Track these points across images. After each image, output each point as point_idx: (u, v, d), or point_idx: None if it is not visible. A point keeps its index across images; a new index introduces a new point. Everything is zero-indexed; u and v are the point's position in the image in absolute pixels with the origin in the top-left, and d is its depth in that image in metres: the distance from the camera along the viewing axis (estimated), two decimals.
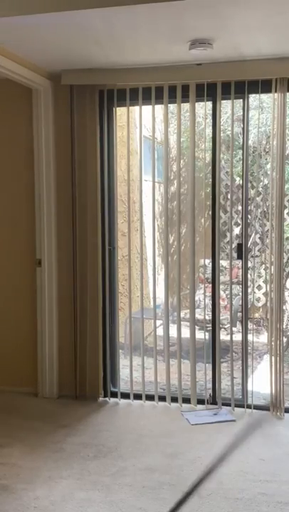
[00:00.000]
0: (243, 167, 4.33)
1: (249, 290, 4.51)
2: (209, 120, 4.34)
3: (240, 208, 4.57)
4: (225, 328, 5.58)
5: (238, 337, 4.63)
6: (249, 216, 4.84)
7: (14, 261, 4.68)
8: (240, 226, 4.49)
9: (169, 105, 4.34)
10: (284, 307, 4.47)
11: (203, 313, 4.67)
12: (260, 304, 7.00)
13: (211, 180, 4.34)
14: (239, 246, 4.36)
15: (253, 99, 4.66)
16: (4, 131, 4.62)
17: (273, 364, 4.22)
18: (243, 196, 4.33)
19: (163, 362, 4.68)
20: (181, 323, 4.48)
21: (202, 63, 4.08)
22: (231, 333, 4.60)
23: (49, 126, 4.45)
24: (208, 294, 4.48)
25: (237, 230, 5.59)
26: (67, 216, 4.50)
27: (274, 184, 4.19)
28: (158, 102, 4.32)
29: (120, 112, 4.78)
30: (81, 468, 3.42)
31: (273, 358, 4.24)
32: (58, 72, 4.30)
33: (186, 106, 4.39)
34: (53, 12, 3.06)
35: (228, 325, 5.52)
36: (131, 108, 4.47)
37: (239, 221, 4.84)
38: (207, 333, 4.55)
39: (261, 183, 6.32)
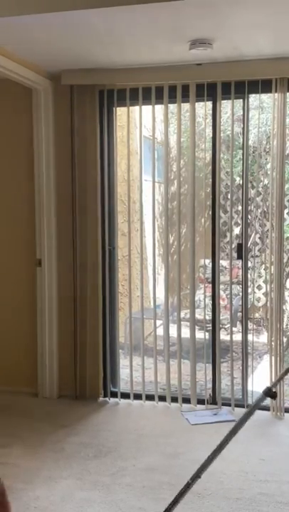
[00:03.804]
0: (243, 167, 4.33)
1: (249, 290, 4.50)
2: (209, 120, 4.34)
3: (240, 207, 4.57)
4: (225, 328, 5.57)
5: (238, 337, 4.63)
6: (249, 216, 4.84)
7: (14, 261, 4.68)
8: (240, 226, 4.49)
9: (169, 105, 4.34)
10: (284, 307, 4.47)
11: (203, 313, 4.67)
12: (260, 304, 6.99)
13: (211, 180, 4.34)
14: (239, 246, 4.36)
15: (253, 99, 4.65)
16: (4, 131, 4.62)
17: (273, 364, 4.22)
18: (243, 196, 4.33)
19: (163, 362, 4.68)
20: (181, 323, 4.48)
21: (202, 63, 4.08)
22: (231, 333, 4.60)
23: (49, 126, 4.45)
24: (208, 294, 4.48)
25: (237, 230, 5.58)
26: (67, 216, 4.50)
27: (274, 184, 4.19)
28: (158, 102, 4.32)
29: (120, 112, 4.78)
30: (81, 468, 3.42)
31: (273, 358, 4.24)
32: (58, 72, 4.30)
33: (186, 106, 4.39)
34: (53, 12, 3.06)
35: (228, 325, 5.51)
36: (131, 108, 4.47)
37: (239, 221, 4.84)
38: (207, 333, 4.55)
39: (261, 183, 6.32)
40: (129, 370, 4.55)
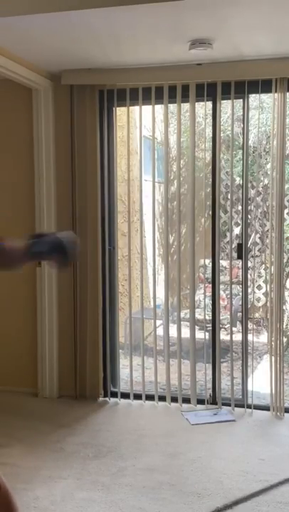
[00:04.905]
0: (243, 167, 4.33)
1: (249, 290, 4.50)
2: (209, 120, 4.34)
3: (240, 207, 4.57)
4: (225, 328, 5.58)
5: (238, 337, 4.63)
6: (249, 216, 4.83)
7: None
8: (240, 226, 4.49)
9: (169, 105, 4.34)
10: (284, 307, 4.47)
11: (203, 313, 4.67)
12: (260, 304, 6.99)
13: (211, 180, 4.34)
14: (239, 246, 4.36)
15: (253, 99, 4.66)
16: (4, 131, 4.62)
17: (273, 364, 4.22)
18: (243, 196, 4.33)
19: (163, 362, 4.68)
20: (181, 323, 4.48)
21: (202, 63, 4.08)
22: (231, 333, 4.60)
23: (49, 126, 4.45)
24: (208, 294, 4.48)
25: (237, 230, 5.58)
26: (67, 216, 4.50)
27: (274, 184, 4.19)
28: (158, 102, 4.31)
29: (120, 112, 4.78)
30: (81, 468, 3.42)
31: (273, 358, 4.23)
32: (58, 72, 4.30)
33: (186, 106, 4.39)
34: (53, 12, 3.06)
35: (228, 325, 5.51)
36: (131, 108, 4.47)
37: (239, 221, 4.84)
38: (207, 333, 4.55)
39: (261, 183, 6.32)
40: (129, 370, 4.55)
